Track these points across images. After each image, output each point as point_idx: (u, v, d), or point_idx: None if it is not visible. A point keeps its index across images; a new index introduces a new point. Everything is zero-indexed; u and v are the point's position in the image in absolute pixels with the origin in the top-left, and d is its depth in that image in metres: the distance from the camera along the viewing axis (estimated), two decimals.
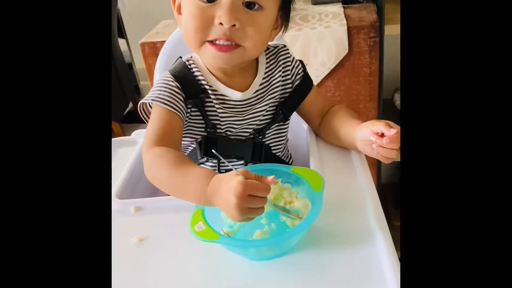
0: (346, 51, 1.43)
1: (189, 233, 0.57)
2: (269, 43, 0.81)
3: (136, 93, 2.77)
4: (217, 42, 0.68)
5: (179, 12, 0.73)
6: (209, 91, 0.75)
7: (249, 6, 0.67)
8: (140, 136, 0.97)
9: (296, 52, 1.43)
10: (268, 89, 0.79)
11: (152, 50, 1.44)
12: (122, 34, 2.75)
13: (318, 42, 1.43)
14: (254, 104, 0.78)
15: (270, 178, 0.55)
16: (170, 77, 0.75)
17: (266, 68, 0.80)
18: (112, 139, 0.97)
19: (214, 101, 0.75)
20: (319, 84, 1.49)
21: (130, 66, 2.85)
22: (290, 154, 0.91)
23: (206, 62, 0.76)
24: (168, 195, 0.85)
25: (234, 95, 0.76)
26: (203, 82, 0.75)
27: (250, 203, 0.53)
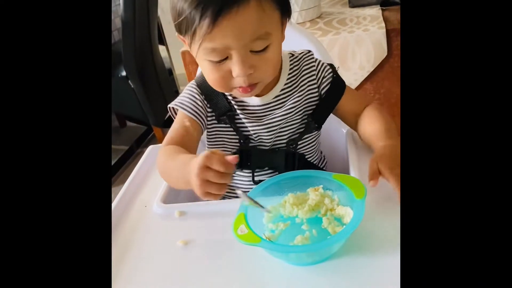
0: (385, 54, 1.42)
1: (232, 237, 0.58)
2: (297, 50, 0.84)
3: None
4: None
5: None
6: (229, 97, 0.78)
7: (258, 50, 0.68)
8: None
9: (334, 56, 1.43)
10: (289, 94, 0.79)
11: (193, 58, 1.47)
12: (162, 41, 2.82)
13: (357, 46, 1.42)
14: (275, 109, 0.79)
15: (232, 156, 0.58)
16: (194, 86, 0.81)
17: (289, 74, 0.80)
18: (156, 145, 1.00)
19: (236, 106, 0.78)
20: (358, 87, 1.49)
21: (170, 71, 2.92)
22: (324, 156, 0.91)
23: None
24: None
25: (253, 101, 0.78)
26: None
27: (207, 175, 0.57)
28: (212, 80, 0.72)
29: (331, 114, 0.84)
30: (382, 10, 1.56)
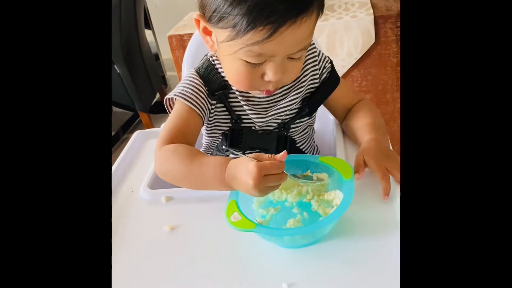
0: (373, 40, 1.42)
1: (219, 221, 0.58)
2: None
3: (163, 83, 2.81)
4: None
5: (206, 33, 0.70)
6: (236, 92, 0.76)
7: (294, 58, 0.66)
8: None
9: (322, 43, 1.42)
10: (294, 85, 0.79)
11: (180, 42, 1.46)
12: (148, 25, 2.79)
13: (345, 32, 1.42)
14: (279, 101, 0.78)
15: (281, 154, 0.58)
16: (194, 74, 0.77)
17: None
18: (142, 130, 0.99)
19: (239, 97, 0.77)
20: (346, 74, 1.49)
21: (157, 56, 2.89)
22: (316, 146, 0.91)
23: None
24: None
25: (257, 92, 0.77)
26: (226, 79, 0.76)
27: (267, 183, 0.56)
28: (240, 80, 0.69)
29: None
30: None
